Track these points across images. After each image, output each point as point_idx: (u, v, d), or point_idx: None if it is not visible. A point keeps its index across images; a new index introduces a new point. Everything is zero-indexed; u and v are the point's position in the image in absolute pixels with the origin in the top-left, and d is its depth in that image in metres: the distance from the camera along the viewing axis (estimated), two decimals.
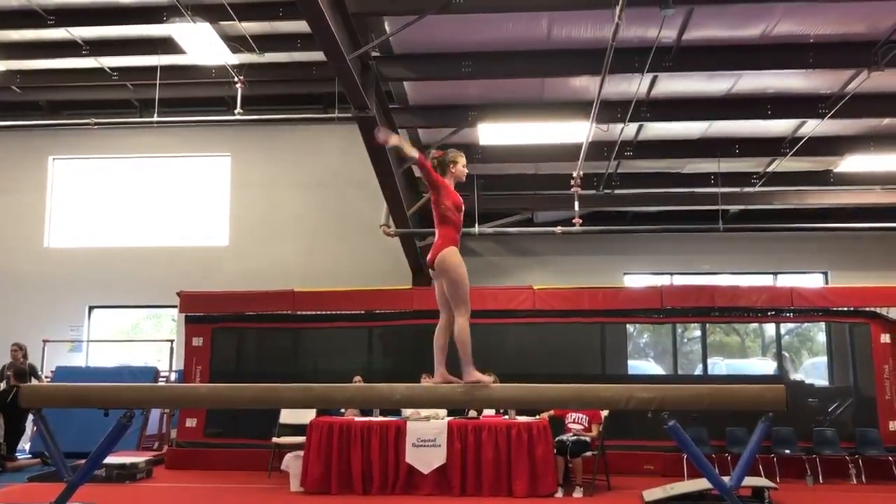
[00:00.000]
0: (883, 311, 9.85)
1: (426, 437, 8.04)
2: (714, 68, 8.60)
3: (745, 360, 12.17)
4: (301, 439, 8.60)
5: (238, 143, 13.82)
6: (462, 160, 4.91)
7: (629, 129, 9.97)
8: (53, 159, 14.37)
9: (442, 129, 10.17)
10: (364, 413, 8.82)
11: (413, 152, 4.67)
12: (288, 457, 8.51)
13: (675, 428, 4.44)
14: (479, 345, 11.41)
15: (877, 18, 7.65)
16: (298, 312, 10.58)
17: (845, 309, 10.05)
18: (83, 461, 5.04)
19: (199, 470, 9.61)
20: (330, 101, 11.82)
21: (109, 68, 11.29)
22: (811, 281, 13.25)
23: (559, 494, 7.89)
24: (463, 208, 4.82)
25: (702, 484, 7.13)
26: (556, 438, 8.22)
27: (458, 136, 10.10)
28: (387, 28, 8.07)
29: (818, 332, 11.52)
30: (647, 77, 8.54)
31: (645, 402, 4.45)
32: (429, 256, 4.73)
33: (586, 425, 8.48)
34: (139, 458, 9.25)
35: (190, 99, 12.47)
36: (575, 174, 10.12)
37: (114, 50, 10.61)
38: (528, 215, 12.67)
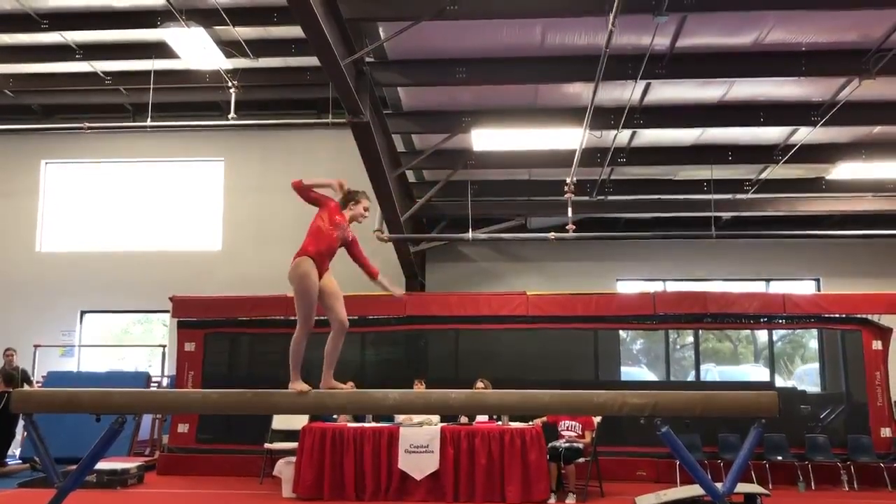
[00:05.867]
0: (875, 317, 9.89)
1: (419, 443, 8.03)
2: (707, 75, 8.64)
3: (738, 366, 12.20)
4: (293, 445, 8.58)
5: (232, 147, 13.81)
6: (365, 202, 5.31)
7: (622, 136, 9.99)
8: (46, 163, 14.32)
9: (435, 135, 10.18)
10: (357, 419, 8.80)
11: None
12: (280, 462, 8.48)
13: (668, 434, 4.44)
14: (473, 350, 11.36)
15: (868, 27, 7.69)
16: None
17: (837, 316, 10.11)
18: (74, 467, 5.01)
19: (190, 475, 9.59)
20: (324, 107, 11.81)
21: (103, 72, 11.27)
22: (803, 288, 13.27)
23: (552, 500, 7.89)
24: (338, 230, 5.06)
25: (694, 490, 7.14)
26: (549, 445, 8.22)
27: (451, 142, 10.11)
28: (381, 34, 8.08)
29: (810, 339, 11.57)
30: (641, 84, 8.57)
31: (638, 409, 4.46)
32: None
33: (579, 432, 8.47)
34: (130, 464, 9.22)
35: (183, 103, 12.44)
36: (568, 180, 10.13)
37: (107, 54, 10.60)
38: (522, 221, 12.67)
